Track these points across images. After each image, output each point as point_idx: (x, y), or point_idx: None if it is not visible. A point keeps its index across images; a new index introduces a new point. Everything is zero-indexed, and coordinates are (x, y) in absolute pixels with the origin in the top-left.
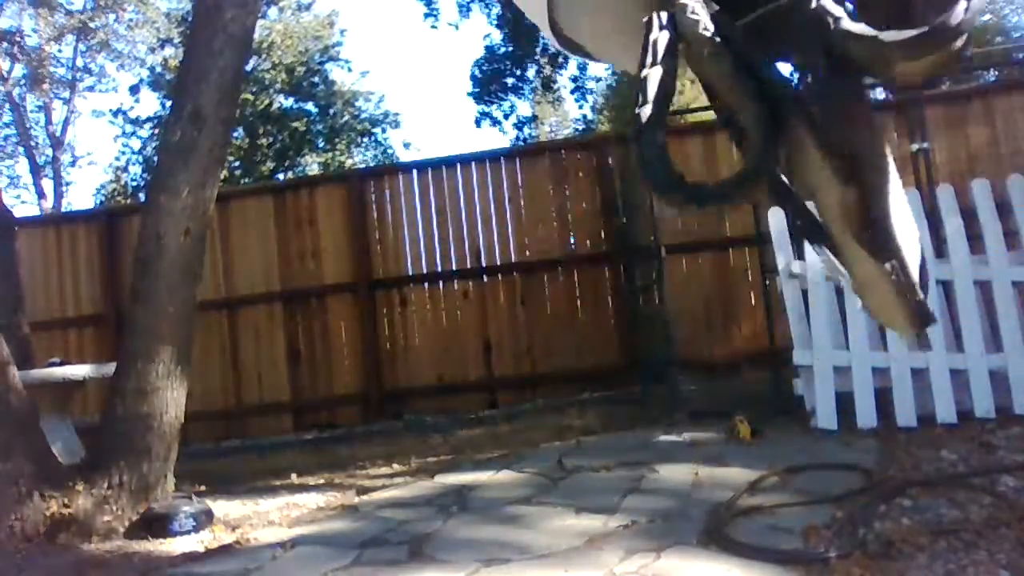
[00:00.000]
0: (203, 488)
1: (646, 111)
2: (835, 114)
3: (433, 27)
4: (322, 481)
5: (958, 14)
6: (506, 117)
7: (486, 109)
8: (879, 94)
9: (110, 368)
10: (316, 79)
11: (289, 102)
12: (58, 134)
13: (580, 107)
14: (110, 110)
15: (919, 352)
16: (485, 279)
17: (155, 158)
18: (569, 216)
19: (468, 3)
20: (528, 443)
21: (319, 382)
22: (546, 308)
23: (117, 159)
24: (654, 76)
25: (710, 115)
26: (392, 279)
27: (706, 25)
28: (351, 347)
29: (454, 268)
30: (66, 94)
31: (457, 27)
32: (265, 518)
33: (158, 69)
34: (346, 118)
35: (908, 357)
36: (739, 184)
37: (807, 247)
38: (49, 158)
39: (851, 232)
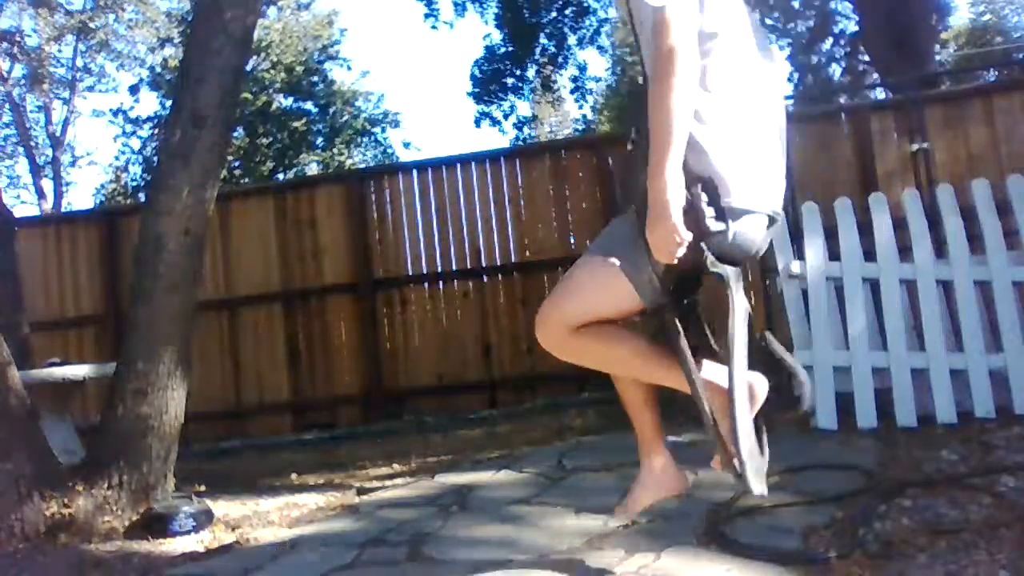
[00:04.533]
0: (203, 488)
1: None
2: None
3: (433, 27)
4: (322, 481)
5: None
6: (506, 117)
7: (486, 109)
8: (879, 94)
9: (110, 368)
10: (315, 78)
11: (288, 102)
12: (58, 134)
13: (580, 107)
14: (110, 110)
15: (919, 352)
16: (485, 279)
17: (155, 158)
18: (569, 216)
19: (463, 2)
20: (528, 443)
21: (319, 382)
22: None
23: (117, 159)
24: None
25: None
26: (392, 279)
27: None
28: (351, 347)
29: (454, 268)
30: (66, 94)
31: (452, 26)
32: (265, 518)
33: (158, 69)
34: (346, 118)
35: (908, 357)
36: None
37: (807, 247)
38: (49, 158)
39: None
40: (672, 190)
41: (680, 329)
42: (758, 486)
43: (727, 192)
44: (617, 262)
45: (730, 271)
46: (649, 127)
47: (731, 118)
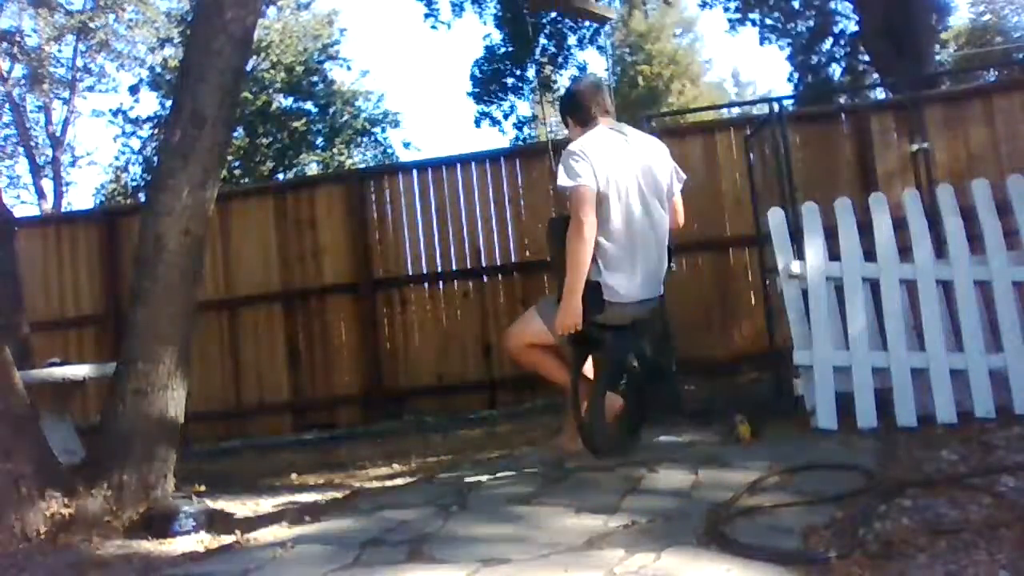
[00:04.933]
0: (203, 488)
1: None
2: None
3: (433, 27)
4: (322, 481)
5: None
6: (506, 117)
7: (486, 109)
8: (879, 94)
9: (110, 368)
10: (315, 78)
11: (288, 101)
12: (58, 134)
13: None
14: (110, 110)
15: (919, 352)
16: (485, 279)
17: (155, 158)
18: None
19: (461, 2)
20: (528, 443)
21: (319, 382)
22: None
23: (117, 159)
24: None
25: (710, 115)
26: (392, 279)
27: None
28: (351, 347)
29: (454, 268)
30: (66, 94)
31: (449, 26)
32: (265, 518)
33: (158, 69)
34: (346, 117)
35: (908, 357)
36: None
37: (807, 247)
38: (49, 158)
39: None
40: (575, 299)
41: (577, 358)
42: (604, 455)
43: (610, 293)
44: (541, 319)
45: (607, 335)
46: (567, 261)
47: (615, 247)
